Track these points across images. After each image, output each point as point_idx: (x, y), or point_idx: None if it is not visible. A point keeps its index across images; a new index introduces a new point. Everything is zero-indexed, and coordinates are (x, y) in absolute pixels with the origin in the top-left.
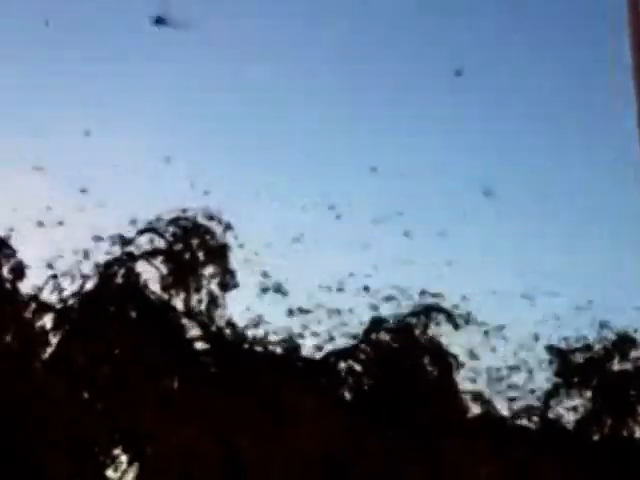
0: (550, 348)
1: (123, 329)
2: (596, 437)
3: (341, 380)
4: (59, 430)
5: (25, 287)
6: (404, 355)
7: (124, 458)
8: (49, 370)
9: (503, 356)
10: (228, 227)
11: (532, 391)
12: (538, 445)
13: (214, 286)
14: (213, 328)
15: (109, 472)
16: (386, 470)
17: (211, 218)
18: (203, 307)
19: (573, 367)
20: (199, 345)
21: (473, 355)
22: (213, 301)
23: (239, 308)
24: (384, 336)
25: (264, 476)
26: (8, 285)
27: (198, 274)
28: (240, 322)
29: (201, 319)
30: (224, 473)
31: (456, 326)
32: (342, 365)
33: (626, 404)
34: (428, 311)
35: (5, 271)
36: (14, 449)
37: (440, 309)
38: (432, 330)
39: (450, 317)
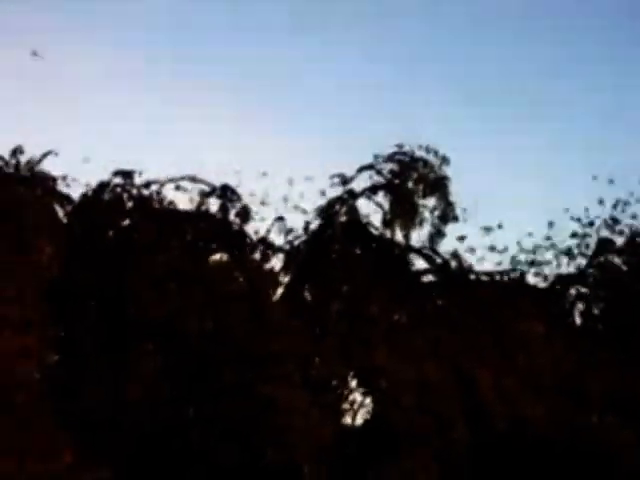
0: None
1: (349, 266)
2: None
3: (570, 305)
4: (293, 365)
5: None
6: (635, 276)
7: (358, 392)
8: (281, 309)
9: None
10: (445, 160)
11: None
12: None
13: (436, 219)
14: (438, 260)
15: (344, 405)
16: (619, 392)
17: (428, 151)
18: (426, 240)
19: None
20: (425, 278)
21: None
22: (436, 233)
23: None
24: (614, 258)
25: (498, 401)
26: (235, 228)
27: (419, 207)
28: (464, 254)
29: (425, 252)
30: (458, 401)
31: None
32: (571, 291)
33: None
34: None
35: (232, 215)
36: (250, 383)
37: None
38: None
39: None
